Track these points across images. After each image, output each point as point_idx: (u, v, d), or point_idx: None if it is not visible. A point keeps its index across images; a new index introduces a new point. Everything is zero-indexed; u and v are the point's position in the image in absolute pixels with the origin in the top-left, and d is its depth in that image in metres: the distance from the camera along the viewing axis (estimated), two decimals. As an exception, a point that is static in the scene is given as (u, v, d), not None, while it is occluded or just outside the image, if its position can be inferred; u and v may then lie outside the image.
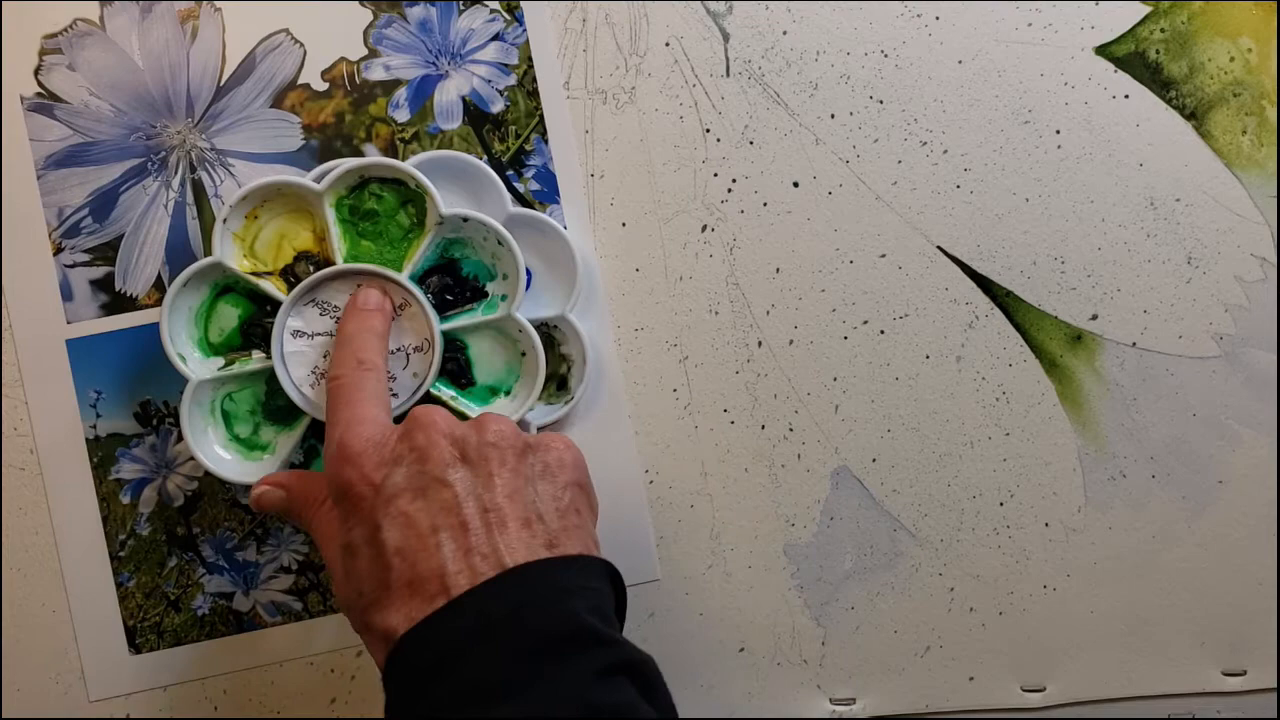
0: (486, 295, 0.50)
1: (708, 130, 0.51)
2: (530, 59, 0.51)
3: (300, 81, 0.51)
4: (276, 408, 0.50)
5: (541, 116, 0.51)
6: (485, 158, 0.51)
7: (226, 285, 0.49)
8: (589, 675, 0.36)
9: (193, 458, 0.49)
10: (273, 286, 0.49)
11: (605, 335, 0.51)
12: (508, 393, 0.50)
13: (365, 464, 0.41)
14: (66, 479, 0.51)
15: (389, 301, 0.48)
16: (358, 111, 0.51)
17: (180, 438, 0.50)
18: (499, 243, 0.48)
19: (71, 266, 0.51)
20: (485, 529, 0.38)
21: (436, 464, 0.40)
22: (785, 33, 0.51)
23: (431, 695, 0.36)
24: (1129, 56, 0.51)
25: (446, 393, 0.49)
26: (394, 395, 0.48)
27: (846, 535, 0.51)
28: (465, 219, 0.48)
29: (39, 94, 0.51)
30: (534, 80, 0.51)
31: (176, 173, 0.51)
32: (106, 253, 0.51)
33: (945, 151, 0.51)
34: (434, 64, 0.51)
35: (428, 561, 0.38)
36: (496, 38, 0.51)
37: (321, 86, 0.51)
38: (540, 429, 0.50)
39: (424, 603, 0.37)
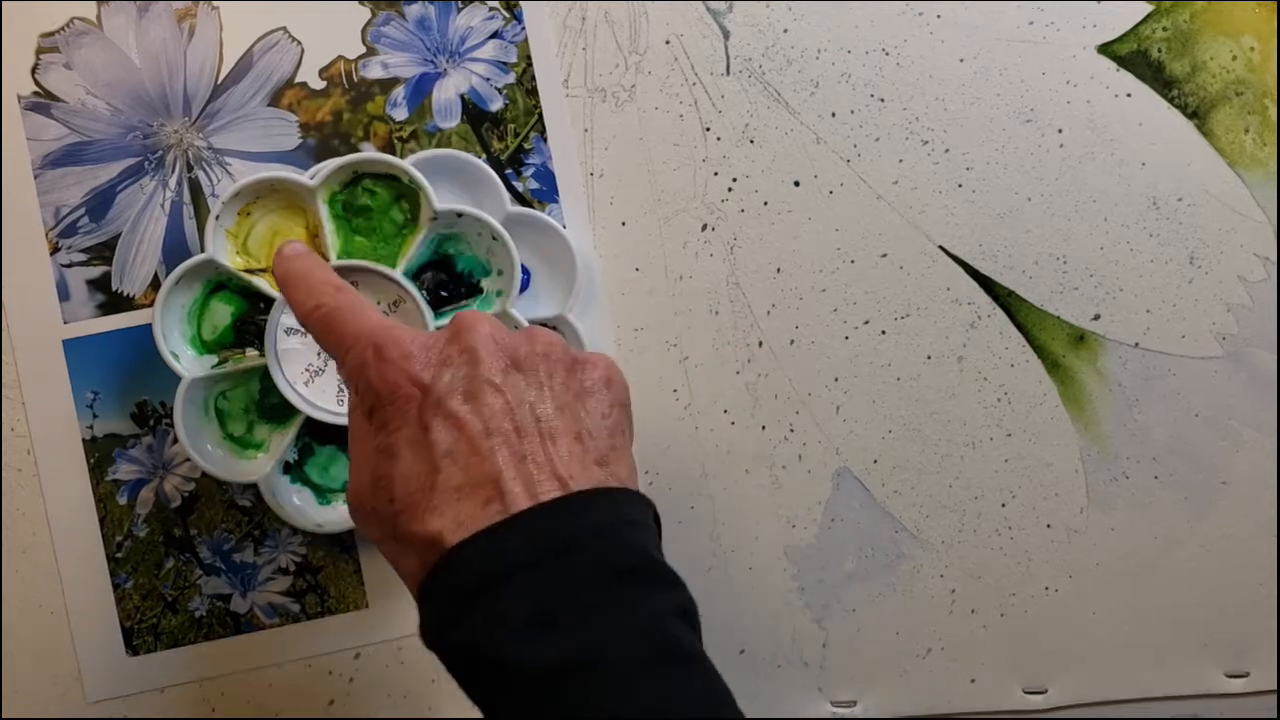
0: (482, 291, 0.49)
1: (708, 129, 0.51)
2: (529, 57, 0.51)
3: (298, 80, 0.51)
4: (270, 406, 0.50)
5: (540, 115, 0.51)
6: (484, 156, 0.50)
7: (219, 282, 0.49)
8: (663, 611, 0.35)
9: (189, 458, 0.48)
10: (266, 283, 0.48)
11: (605, 335, 0.51)
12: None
13: (414, 365, 0.38)
14: (63, 480, 0.51)
15: None
16: (355, 110, 0.51)
17: (177, 439, 0.50)
18: (493, 238, 0.48)
19: (68, 266, 0.50)
20: (539, 438, 0.37)
21: (488, 368, 0.38)
22: (786, 31, 0.51)
23: (492, 612, 0.34)
24: (1131, 55, 0.51)
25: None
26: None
27: (848, 537, 0.51)
28: (459, 214, 0.48)
29: (36, 93, 0.50)
30: (533, 78, 0.51)
31: (173, 172, 0.50)
32: (103, 252, 0.50)
33: (947, 150, 0.51)
34: (432, 62, 0.51)
35: (480, 466, 0.36)
36: (495, 36, 0.51)
37: (319, 85, 0.51)
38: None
39: (476, 507, 0.35)
